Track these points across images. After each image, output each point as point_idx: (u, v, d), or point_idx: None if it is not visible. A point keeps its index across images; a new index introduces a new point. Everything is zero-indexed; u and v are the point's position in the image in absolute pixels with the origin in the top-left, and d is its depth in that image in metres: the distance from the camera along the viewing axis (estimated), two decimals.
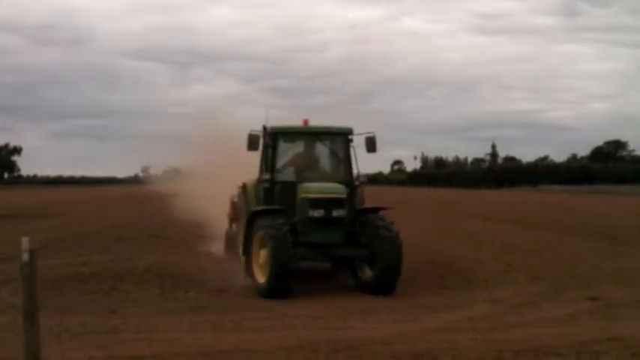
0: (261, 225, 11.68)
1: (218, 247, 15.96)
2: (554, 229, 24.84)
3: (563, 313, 10.00)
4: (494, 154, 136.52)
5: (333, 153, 13.36)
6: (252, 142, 12.51)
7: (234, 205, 14.61)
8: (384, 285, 11.66)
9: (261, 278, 11.59)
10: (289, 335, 8.60)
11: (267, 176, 12.58)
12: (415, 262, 14.38)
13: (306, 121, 13.03)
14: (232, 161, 16.43)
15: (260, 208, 12.31)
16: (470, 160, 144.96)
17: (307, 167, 13.23)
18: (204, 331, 8.85)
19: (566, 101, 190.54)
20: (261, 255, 11.64)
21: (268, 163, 12.67)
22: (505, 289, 12.17)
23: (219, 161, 18.56)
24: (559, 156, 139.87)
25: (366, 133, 12.92)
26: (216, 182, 17.43)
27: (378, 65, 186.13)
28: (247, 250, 12.16)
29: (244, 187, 13.42)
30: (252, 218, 12.10)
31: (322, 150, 13.51)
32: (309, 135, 13.33)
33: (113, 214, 34.05)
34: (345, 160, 13.05)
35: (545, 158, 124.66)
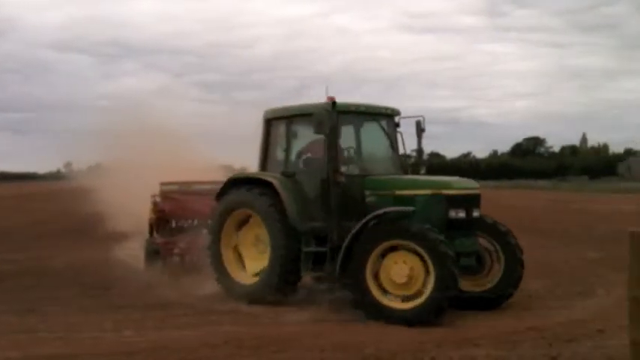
0: (420, 235, 8.87)
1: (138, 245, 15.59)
2: None
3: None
4: (419, 150, 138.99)
5: (386, 138, 10.97)
6: (320, 123, 9.73)
7: (158, 208, 13.97)
8: (502, 297, 10.04)
9: (392, 301, 9.05)
10: (214, 332, 8.53)
11: (343, 168, 10.13)
12: None
13: (331, 99, 10.26)
14: (160, 157, 16.18)
15: (390, 209, 9.51)
16: None
17: (360, 156, 10.94)
18: (126, 330, 8.65)
19: (490, 99, 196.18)
20: (400, 271, 9.03)
21: (332, 152, 10.00)
22: None
23: (146, 157, 18.24)
24: (482, 152, 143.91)
25: (414, 116, 11.07)
26: (142, 178, 17.09)
27: (309, 61, 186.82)
28: (359, 265, 9.20)
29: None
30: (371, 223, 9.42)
31: (374, 135, 11.02)
32: (366, 116, 10.85)
33: (33, 211, 32.88)
34: (396, 147, 11.08)
35: (468, 154, 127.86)
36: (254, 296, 10.30)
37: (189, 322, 9.24)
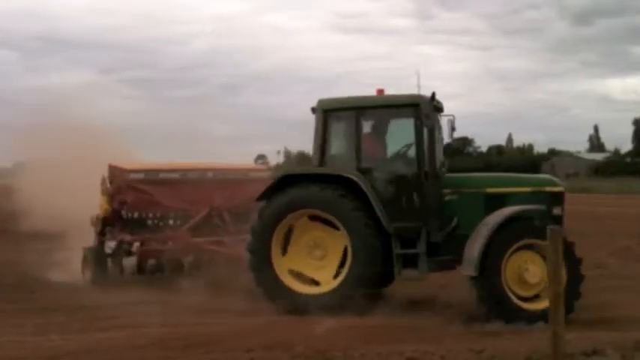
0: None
1: (66, 245, 15.08)
2: None
3: None
4: None
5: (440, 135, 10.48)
6: (427, 115, 9.46)
7: (117, 200, 12.27)
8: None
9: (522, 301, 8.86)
10: (141, 334, 8.37)
11: (426, 167, 9.56)
12: None
13: (381, 91, 10.18)
14: (86, 155, 15.71)
15: (528, 207, 9.21)
16: None
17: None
18: (50, 333, 8.42)
19: None
20: (534, 271, 8.79)
21: (424, 147, 9.57)
22: None
23: (70, 154, 17.69)
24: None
25: (446, 115, 10.41)
26: (68, 176, 16.57)
27: (244, 59, 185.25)
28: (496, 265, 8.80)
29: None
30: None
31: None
32: None
33: None
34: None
35: None
36: (337, 306, 9.10)
37: (115, 324, 9.06)
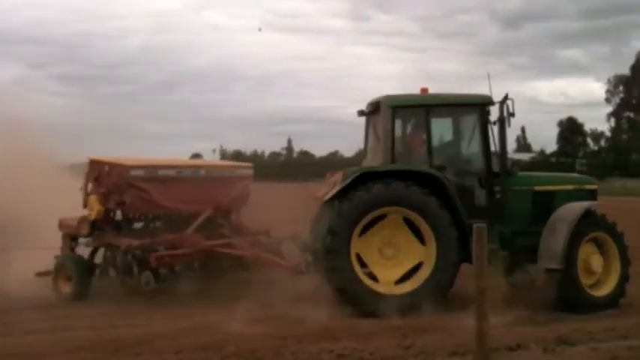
0: (617, 231, 9.77)
1: None
2: None
3: None
4: (290, 148, 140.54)
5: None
6: (510, 114, 9.68)
7: (114, 199, 10.80)
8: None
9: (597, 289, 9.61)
10: (70, 336, 8.21)
11: (497, 165, 9.84)
12: None
13: (425, 90, 10.24)
14: (15, 155, 15.09)
15: (588, 204, 9.76)
16: (267, 153, 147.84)
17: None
18: None
19: (355, 99, 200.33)
20: (598, 261, 9.62)
21: (495, 146, 9.85)
22: None
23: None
24: (349, 151, 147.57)
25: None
26: None
27: (181, 56, 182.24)
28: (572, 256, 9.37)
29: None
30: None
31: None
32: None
33: None
34: None
35: (335, 153, 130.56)
36: (412, 306, 9.03)
37: (42, 327, 8.82)
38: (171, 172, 11.27)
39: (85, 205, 11.18)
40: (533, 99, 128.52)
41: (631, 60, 77.72)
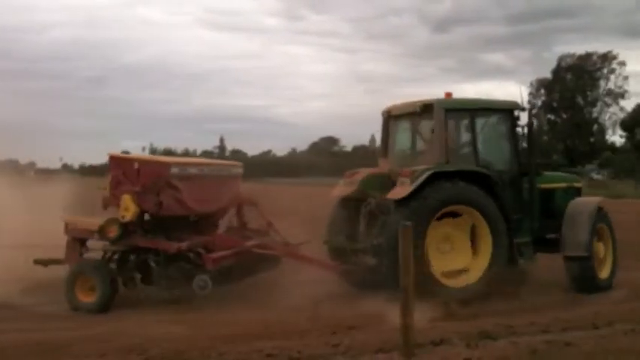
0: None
1: None
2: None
3: None
4: (222, 147, 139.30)
5: None
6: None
7: (155, 199, 9.97)
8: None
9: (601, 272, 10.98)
10: None
11: (529, 165, 11.00)
12: None
13: (449, 94, 10.82)
14: None
15: (598, 199, 11.49)
16: (199, 152, 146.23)
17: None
18: None
19: (289, 98, 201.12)
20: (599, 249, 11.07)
21: (534, 147, 11.29)
22: None
23: None
24: (281, 150, 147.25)
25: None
26: None
27: (113, 52, 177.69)
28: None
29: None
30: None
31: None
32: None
33: None
34: None
35: (268, 152, 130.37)
36: (465, 298, 9.60)
37: None
38: (195, 171, 10.60)
39: (106, 207, 10.41)
40: None
41: (552, 64, 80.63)
